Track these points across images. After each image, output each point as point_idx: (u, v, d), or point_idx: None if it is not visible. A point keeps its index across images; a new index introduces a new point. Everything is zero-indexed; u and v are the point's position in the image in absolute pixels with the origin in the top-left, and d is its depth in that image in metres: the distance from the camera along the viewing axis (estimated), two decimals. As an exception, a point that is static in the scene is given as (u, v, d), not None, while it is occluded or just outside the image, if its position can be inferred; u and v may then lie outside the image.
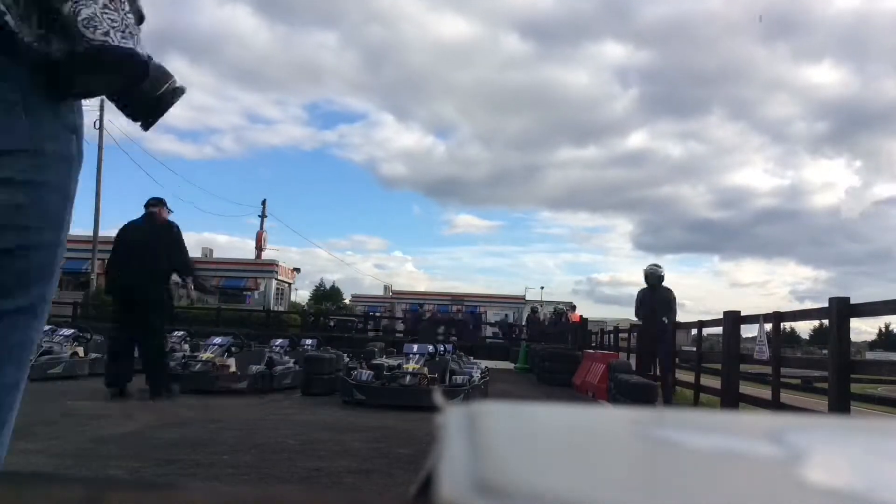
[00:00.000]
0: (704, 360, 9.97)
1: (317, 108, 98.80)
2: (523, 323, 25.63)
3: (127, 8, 1.16)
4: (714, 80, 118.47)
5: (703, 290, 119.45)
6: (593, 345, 15.58)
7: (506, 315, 40.33)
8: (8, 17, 1.02)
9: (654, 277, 9.53)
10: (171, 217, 7.49)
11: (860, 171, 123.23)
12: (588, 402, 8.39)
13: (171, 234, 7.24)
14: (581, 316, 20.09)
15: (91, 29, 1.08)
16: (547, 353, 12.58)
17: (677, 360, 11.28)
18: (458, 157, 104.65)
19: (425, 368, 7.39)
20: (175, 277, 7.50)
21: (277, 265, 41.23)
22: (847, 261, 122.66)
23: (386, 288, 62.32)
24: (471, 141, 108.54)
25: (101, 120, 28.71)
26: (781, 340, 7.43)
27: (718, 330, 8.33)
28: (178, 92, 1.38)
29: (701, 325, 9.97)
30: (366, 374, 7.16)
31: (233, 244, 75.79)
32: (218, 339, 8.92)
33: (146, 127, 1.39)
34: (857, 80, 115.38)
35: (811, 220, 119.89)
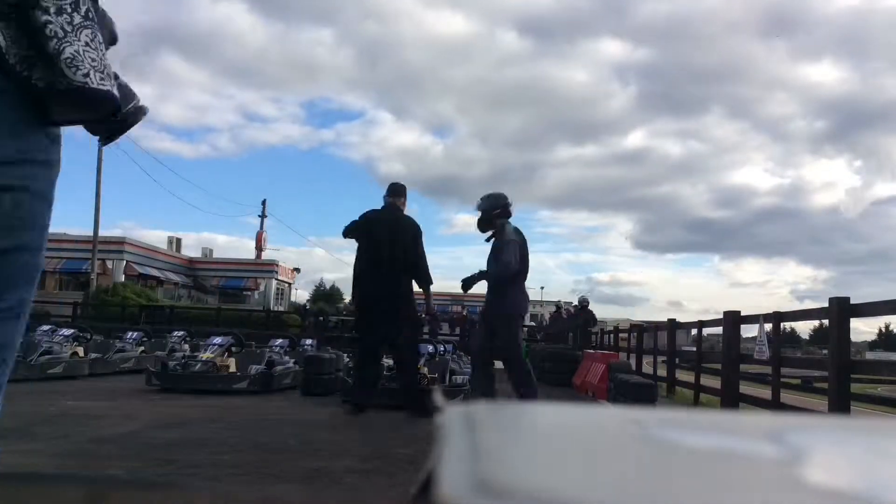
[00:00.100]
0: (704, 360, 9.98)
1: (314, 106, 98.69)
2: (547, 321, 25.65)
3: (104, 49, 1.22)
4: (713, 78, 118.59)
5: (704, 290, 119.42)
6: (593, 345, 15.58)
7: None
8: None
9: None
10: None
11: (860, 170, 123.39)
12: (588, 402, 8.37)
13: (415, 232, 6.22)
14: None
15: (73, 69, 1.12)
16: (547, 353, 12.58)
17: (677, 360, 11.29)
18: (456, 156, 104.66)
19: (425, 368, 7.39)
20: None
21: (277, 265, 41.26)
22: (847, 260, 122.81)
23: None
24: (469, 139, 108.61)
25: (101, 120, 28.73)
26: (781, 340, 7.43)
27: (718, 330, 8.34)
28: (141, 111, 1.42)
29: (701, 325, 9.97)
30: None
31: (231, 244, 75.77)
32: (218, 339, 8.91)
33: (105, 143, 1.45)
34: (857, 78, 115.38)
35: (811, 220, 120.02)
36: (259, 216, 41.58)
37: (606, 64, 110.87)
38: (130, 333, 11.90)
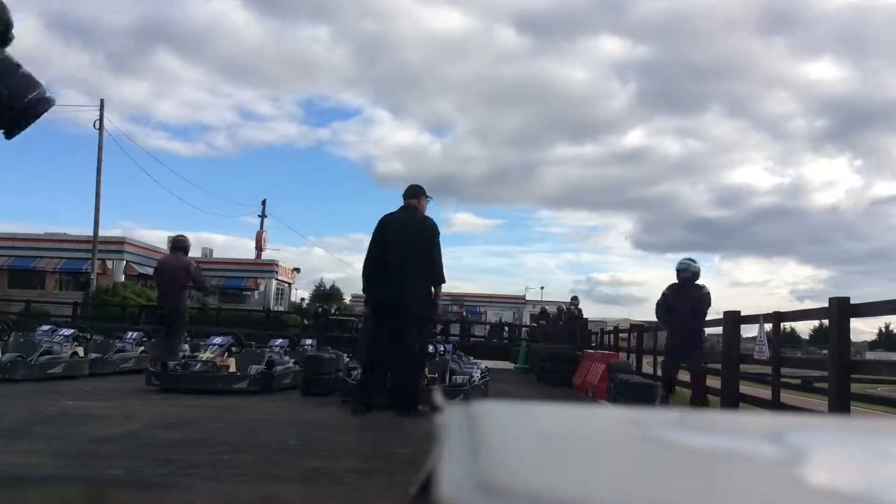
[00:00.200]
0: (704, 360, 9.97)
1: (311, 104, 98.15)
2: (529, 322, 25.67)
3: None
4: (712, 75, 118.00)
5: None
6: (593, 345, 15.58)
7: (499, 317, 40.30)
8: None
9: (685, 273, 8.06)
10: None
11: (861, 169, 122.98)
12: (588, 402, 8.38)
13: (433, 233, 6.20)
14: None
15: None
16: (547, 353, 12.59)
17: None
18: (454, 155, 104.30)
19: (425, 368, 7.39)
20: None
21: (277, 265, 41.24)
22: (848, 260, 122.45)
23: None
24: (467, 138, 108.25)
25: (101, 120, 28.72)
26: (781, 340, 7.43)
27: (718, 330, 8.33)
28: (46, 102, 1.33)
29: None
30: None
31: (230, 243, 75.61)
32: (218, 339, 8.91)
33: (9, 135, 1.34)
34: (858, 76, 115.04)
35: (812, 219, 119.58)
36: (259, 216, 41.58)
37: (605, 61, 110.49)
38: (130, 333, 11.90)
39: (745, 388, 7.87)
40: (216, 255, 43.79)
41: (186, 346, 11.12)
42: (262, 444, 4.45)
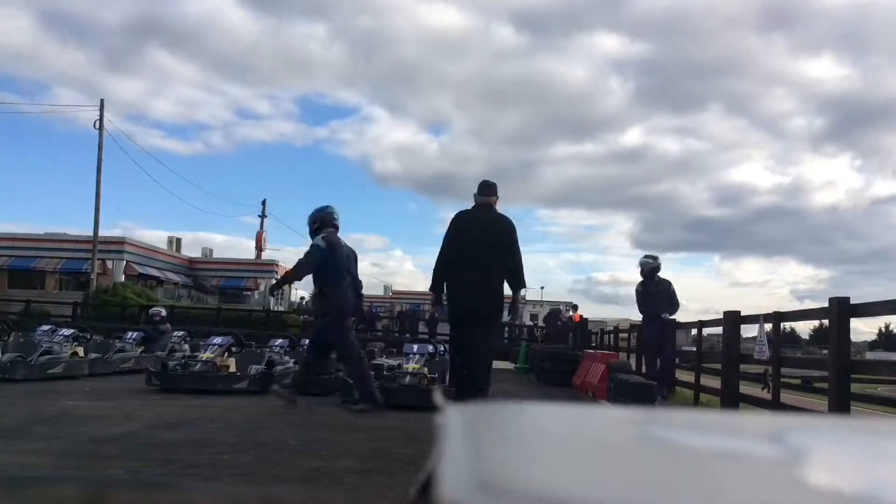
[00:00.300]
0: (704, 360, 9.97)
1: (308, 102, 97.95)
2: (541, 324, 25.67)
3: None
4: (711, 73, 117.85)
5: (703, 290, 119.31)
6: (593, 345, 15.58)
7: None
8: None
9: (647, 269, 9.27)
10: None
11: (862, 168, 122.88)
12: (588, 402, 8.38)
13: (513, 233, 5.92)
14: (581, 316, 20.12)
15: None
16: (547, 353, 12.58)
17: (677, 360, 11.29)
18: (452, 154, 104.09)
19: (425, 368, 7.39)
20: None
21: (277, 265, 41.25)
22: (848, 260, 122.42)
23: (386, 288, 62.40)
24: (465, 136, 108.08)
25: (101, 120, 28.72)
26: (781, 340, 7.44)
27: (718, 330, 8.33)
28: None
29: (701, 325, 9.97)
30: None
31: (228, 243, 75.47)
32: (218, 339, 8.91)
33: None
34: (858, 74, 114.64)
35: (812, 219, 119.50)
36: (259, 216, 41.57)
37: (603, 59, 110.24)
38: (130, 333, 11.90)
39: (745, 388, 7.87)
40: (216, 255, 43.81)
41: (187, 346, 11.14)
42: (262, 444, 4.45)
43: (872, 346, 66.68)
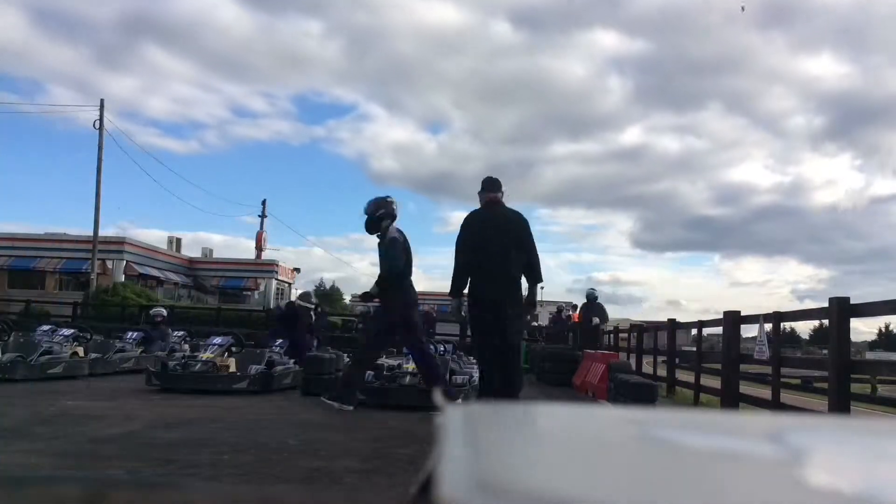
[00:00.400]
0: (704, 360, 9.98)
1: (304, 99, 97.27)
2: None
3: None
4: (710, 70, 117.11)
5: (703, 290, 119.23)
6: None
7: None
8: None
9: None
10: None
11: (862, 167, 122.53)
12: (588, 402, 8.37)
13: (527, 228, 5.83)
14: (581, 315, 20.10)
15: None
16: (547, 353, 12.58)
17: (677, 360, 11.30)
18: (450, 153, 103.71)
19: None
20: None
21: (277, 265, 41.26)
22: (848, 259, 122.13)
23: (386, 288, 62.37)
24: (463, 135, 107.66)
25: (101, 120, 28.72)
26: (781, 340, 7.44)
27: (718, 330, 8.34)
28: None
29: (701, 325, 9.97)
30: (366, 374, 7.17)
31: (227, 243, 75.17)
32: (218, 339, 8.91)
33: None
34: (858, 71, 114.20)
35: (812, 218, 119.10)
36: (259, 216, 41.56)
37: (602, 57, 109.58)
38: (130, 333, 11.90)
39: (745, 388, 7.87)
40: (216, 255, 43.82)
41: (187, 346, 11.15)
42: (262, 444, 4.45)
43: (872, 346, 66.69)
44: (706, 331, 10.73)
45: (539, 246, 5.94)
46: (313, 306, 10.91)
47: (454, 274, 5.87)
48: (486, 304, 5.68)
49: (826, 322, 5.66)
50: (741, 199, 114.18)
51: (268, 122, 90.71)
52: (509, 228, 5.72)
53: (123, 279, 31.78)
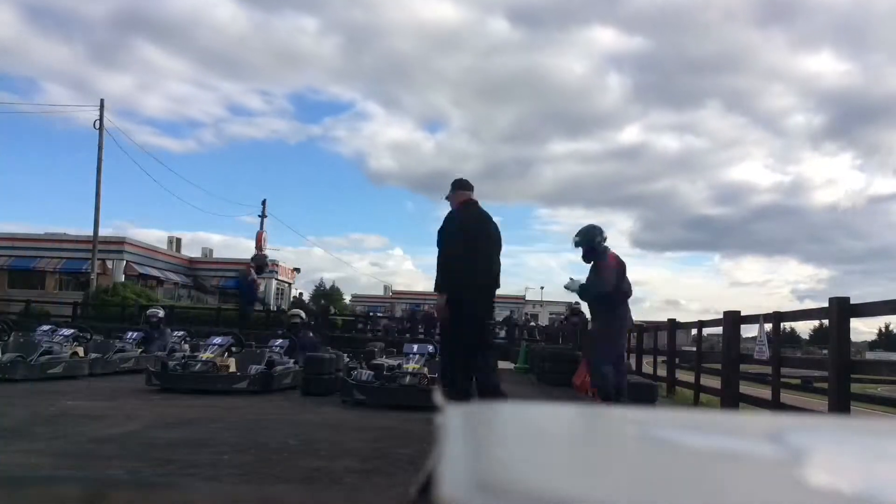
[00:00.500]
0: (704, 360, 9.98)
1: (301, 97, 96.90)
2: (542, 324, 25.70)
3: None
4: (709, 68, 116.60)
5: (703, 290, 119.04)
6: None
7: (511, 312, 40.77)
8: None
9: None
10: None
11: (863, 167, 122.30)
12: (588, 402, 8.39)
13: (497, 232, 5.95)
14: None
15: None
16: (547, 353, 12.58)
17: (677, 360, 11.30)
18: (448, 151, 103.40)
19: (425, 368, 7.39)
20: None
21: (278, 265, 41.25)
22: (848, 259, 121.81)
23: (386, 287, 62.48)
24: (461, 134, 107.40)
25: (101, 120, 28.72)
26: (781, 340, 7.44)
27: (718, 330, 8.34)
28: None
29: (701, 325, 9.98)
30: (366, 374, 7.16)
31: (226, 243, 75.02)
32: (218, 339, 8.91)
33: None
34: (858, 69, 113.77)
35: (812, 217, 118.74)
36: (259, 216, 41.52)
37: (601, 54, 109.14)
38: (130, 333, 11.90)
39: (745, 388, 7.87)
40: (216, 255, 43.82)
41: (187, 346, 11.15)
42: (262, 444, 4.45)
43: (872, 346, 66.68)
44: (706, 331, 10.74)
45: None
46: (300, 319, 10.99)
47: (445, 268, 5.80)
48: (475, 299, 5.72)
49: (826, 322, 5.66)
50: (741, 199, 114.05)
51: (264, 120, 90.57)
52: (491, 226, 5.88)
53: (123, 279, 31.78)
